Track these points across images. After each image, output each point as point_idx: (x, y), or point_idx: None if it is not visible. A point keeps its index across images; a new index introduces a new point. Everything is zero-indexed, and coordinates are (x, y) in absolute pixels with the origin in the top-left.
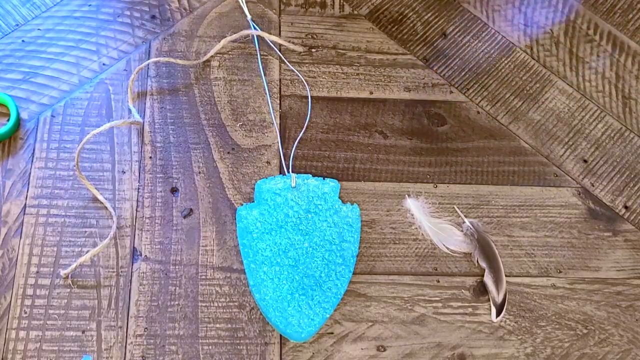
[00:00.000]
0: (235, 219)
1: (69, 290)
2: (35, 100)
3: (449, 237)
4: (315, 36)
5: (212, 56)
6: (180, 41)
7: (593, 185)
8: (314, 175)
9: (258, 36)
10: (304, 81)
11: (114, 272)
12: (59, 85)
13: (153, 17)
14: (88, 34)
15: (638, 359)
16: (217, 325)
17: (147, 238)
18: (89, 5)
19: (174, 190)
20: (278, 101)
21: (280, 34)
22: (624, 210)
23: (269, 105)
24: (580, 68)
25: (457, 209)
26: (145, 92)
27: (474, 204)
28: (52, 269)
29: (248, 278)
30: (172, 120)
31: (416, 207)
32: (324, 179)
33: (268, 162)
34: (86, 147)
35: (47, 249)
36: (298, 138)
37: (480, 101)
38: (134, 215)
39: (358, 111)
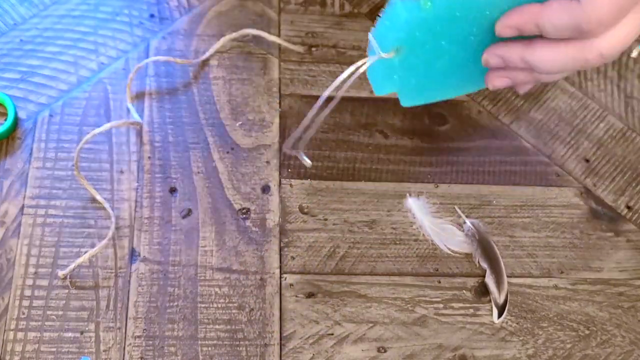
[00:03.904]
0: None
1: (67, 291)
2: (33, 100)
3: (450, 237)
4: (315, 35)
5: (211, 55)
6: (179, 40)
7: (595, 185)
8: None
9: (257, 36)
10: None
11: (112, 272)
12: (57, 84)
13: (152, 15)
14: (86, 32)
15: None
16: (217, 327)
17: (145, 238)
18: (88, 4)
19: (172, 190)
20: (278, 100)
21: (280, 32)
22: (626, 211)
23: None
24: None
25: (457, 210)
26: (144, 92)
27: (475, 204)
28: (50, 270)
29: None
30: (170, 120)
31: (417, 207)
32: None
33: (268, 162)
34: (84, 147)
35: (45, 250)
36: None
37: (481, 100)
38: (133, 215)
39: (358, 111)
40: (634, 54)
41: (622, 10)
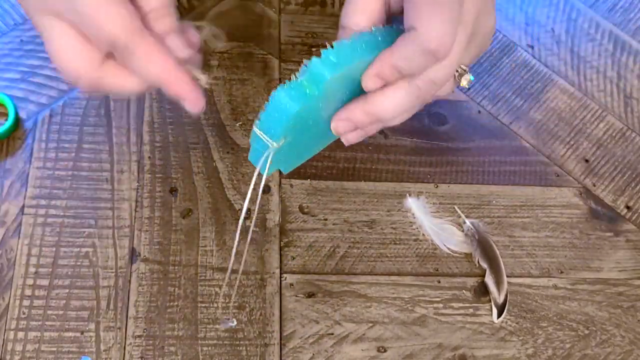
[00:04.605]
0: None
1: (67, 290)
2: (33, 100)
3: (449, 237)
4: (315, 35)
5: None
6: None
7: (595, 185)
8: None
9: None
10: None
11: (112, 272)
12: (57, 84)
13: None
14: None
15: None
16: (217, 326)
17: (146, 238)
18: None
19: (173, 191)
20: None
21: (280, 33)
22: (625, 211)
23: None
24: (581, 67)
25: (457, 209)
26: (144, 92)
27: (475, 204)
28: (50, 270)
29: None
30: (171, 120)
31: (417, 207)
32: None
33: None
34: (85, 147)
35: (46, 250)
36: None
37: (481, 100)
38: (133, 215)
39: None
40: (464, 82)
41: (452, 18)
